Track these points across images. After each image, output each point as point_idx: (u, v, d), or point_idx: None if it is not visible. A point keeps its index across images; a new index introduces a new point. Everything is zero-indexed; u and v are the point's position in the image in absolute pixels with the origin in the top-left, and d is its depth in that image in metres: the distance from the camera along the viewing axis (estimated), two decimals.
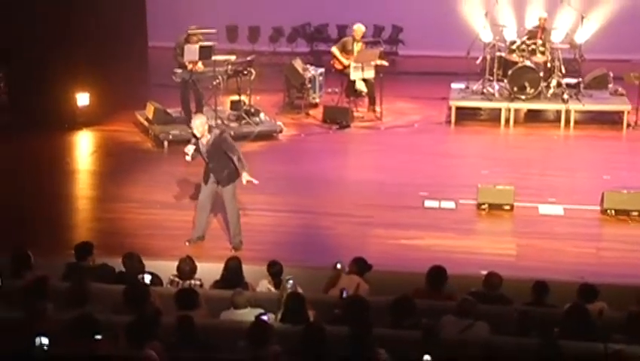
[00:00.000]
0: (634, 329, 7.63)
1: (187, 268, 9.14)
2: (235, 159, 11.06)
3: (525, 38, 16.82)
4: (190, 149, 11.14)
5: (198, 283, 9.13)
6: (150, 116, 15.87)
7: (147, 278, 8.90)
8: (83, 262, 9.24)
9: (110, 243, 11.17)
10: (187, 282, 9.06)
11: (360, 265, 9.24)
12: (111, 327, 7.30)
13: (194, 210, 11.81)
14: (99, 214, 12.65)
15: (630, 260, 11.00)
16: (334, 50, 17.02)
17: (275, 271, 9.13)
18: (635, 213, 12.10)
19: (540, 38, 16.78)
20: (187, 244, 11.32)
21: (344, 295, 8.41)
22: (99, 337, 7.11)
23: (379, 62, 16.75)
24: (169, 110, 15.95)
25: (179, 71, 15.55)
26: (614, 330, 7.60)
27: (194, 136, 11.14)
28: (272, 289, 9.05)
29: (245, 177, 11.06)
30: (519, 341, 7.61)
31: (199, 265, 9.29)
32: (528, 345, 7.26)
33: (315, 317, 8.05)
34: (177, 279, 9.13)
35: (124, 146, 15.58)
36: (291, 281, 8.62)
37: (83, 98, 16.23)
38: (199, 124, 11.08)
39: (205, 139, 11.06)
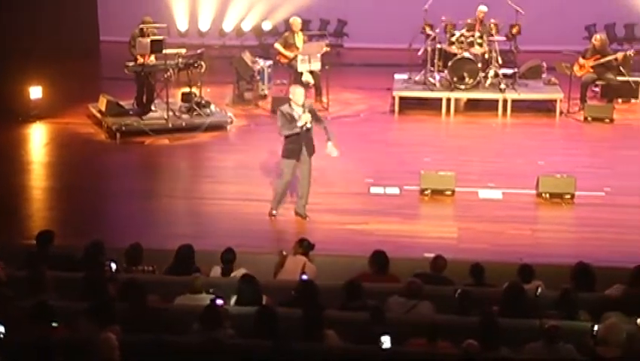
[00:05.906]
0: (567, 305, 7.97)
1: (133, 254, 9.20)
2: (324, 126, 11.67)
3: (464, 31, 17.00)
4: (307, 117, 11.43)
5: (150, 269, 9.17)
6: (103, 109, 15.77)
7: (114, 266, 8.81)
8: (43, 250, 9.24)
9: (65, 231, 11.15)
10: (140, 268, 9.11)
11: (304, 246, 9.48)
12: (68, 314, 7.37)
13: (146, 199, 11.95)
14: (54, 204, 12.72)
15: (564, 241, 11.39)
16: (277, 45, 17.10)
17: (227, 258, 9.19)
18: (568, 196, 12.44)
19: (478, 31, 16.99)
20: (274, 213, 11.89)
21: (304, 278, 8.57)
22: (55, 324, 7.21)
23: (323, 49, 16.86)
24: (121, 103, 15.89)
25: (131, 64, 15.53)
26: (548, 307, 7.96)
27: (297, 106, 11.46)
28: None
29: (330, 147, 11.67)
30: (461, 319, 7.91)
31: (151, 251, 9.39)
32: (469, 322, 7.53)
33: (268, 301, 8.13)
34: (129, 266, 9.13)
35: (78, 137, 15.50)
36: (242, 270, 8.84)
37: (36, 92, 16.12)
38: (301, 93, 11.47)
39: (302, 108, 11.38)
